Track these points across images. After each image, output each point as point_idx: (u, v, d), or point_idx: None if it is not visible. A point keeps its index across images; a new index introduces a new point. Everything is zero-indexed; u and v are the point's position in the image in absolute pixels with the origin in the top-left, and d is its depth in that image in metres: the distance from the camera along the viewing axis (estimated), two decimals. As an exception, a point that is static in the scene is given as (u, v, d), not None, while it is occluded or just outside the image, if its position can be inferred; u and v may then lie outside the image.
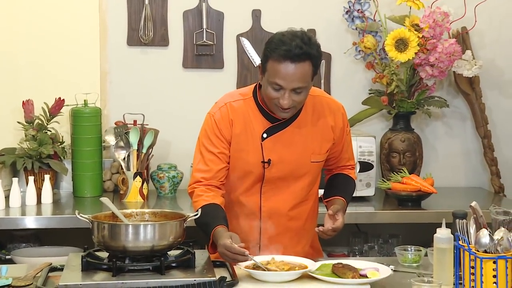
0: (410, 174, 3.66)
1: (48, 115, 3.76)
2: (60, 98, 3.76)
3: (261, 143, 2.63)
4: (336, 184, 2.80)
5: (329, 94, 4.02)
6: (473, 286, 2.20)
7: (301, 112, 2.65)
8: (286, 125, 2.64)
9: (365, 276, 2.38)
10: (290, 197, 2.69)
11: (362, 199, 3.71)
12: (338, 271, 2.40)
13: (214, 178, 2.62)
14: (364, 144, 3.71)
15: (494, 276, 2.17)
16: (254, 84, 2.70)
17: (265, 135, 2.63)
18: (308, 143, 2.66)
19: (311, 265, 2.44)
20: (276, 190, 2.67)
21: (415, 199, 3.57)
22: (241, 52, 4.00)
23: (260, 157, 2.63)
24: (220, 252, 2.43)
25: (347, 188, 2.81)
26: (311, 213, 2.77)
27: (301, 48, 2.46)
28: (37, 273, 2.44)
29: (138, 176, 3.67)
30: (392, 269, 2.51)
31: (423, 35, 3.72)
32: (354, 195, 3.53)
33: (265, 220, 2.69)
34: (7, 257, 3.37)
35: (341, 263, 2.44)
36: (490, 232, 2.23)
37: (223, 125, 2.63)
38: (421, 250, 2.70)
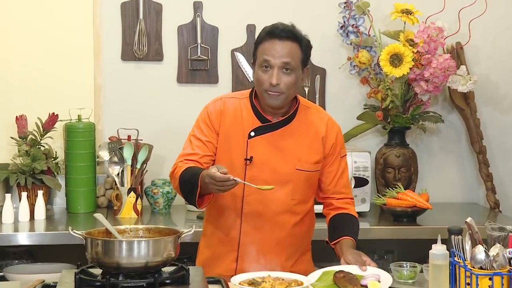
0: (405, 189, 3.66)
1: (41, 131, 3.76)
2: (53, 113, 3.77)
3: (247, 141, 2.67)
4: (341, 224, 2.76)
5: (324, 109, 4.06)
6: (469, 303, 2.20)
7: (294, 119, 2.69)
8: (276, 128, 2.68)
9: (366, 287, 2.38)
10: (274, 203, 2.69)
11: (357, 215, 3.70)
12: (339, 283, 2.40)
13: (198, 162, 2.66)
14: (359, 159, 3.71)
15: (490, 293, 2.17)
16: (252, 88, 2.76)
17: (252, 134, 2.68)
18: (295, 149, 2.68)
19: (307, 282, 2.43)
20: (258, 193, 2.65)
21: (411, 215, 3.57)
22: (236, 67, 4.01)
23: (243, 154, 2.67)
24: (207, 184, 2.45)
25: (353, 227, 2.77)
26: (299, 226, 2.75)
27: (288, 27, 2.63)
28: (30, 290, 2.43)
29: (132, 192, 3.67)
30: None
31: (417, 50, 3.74)
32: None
33: (246, 223, 2.70)
34: (-1, 274, 3.36)
35: (342, 272, 2.43)
36: (485, 248, 2.23)
37: (214, 116, 2.71)
38: (416, 267, 2.70)
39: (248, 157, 2.66)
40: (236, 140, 2.68)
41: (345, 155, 2.80)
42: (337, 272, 2.45)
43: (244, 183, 2.51)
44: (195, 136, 2.72)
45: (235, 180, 2.43)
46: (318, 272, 2.49)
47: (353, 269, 2.47)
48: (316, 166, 2.72)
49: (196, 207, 2.61)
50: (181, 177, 2.61)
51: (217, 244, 2.74)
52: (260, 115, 2.68)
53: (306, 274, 2.51)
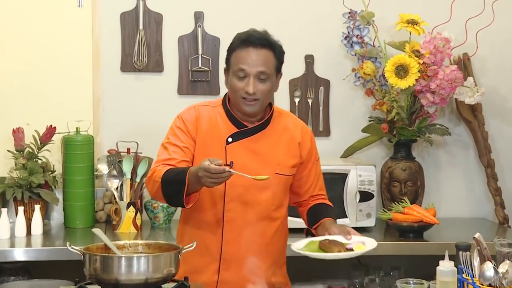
0: (411, 204, 3.65)
1: (39, 143, 3.76)
2: (51, 125, 3.77)
3: (225, 147, 2.72)
4: (320, 211, 2.87)
5: (328, 122, 4.07)
6: (477, 321, 2.19)
7: (269, 124, 2.77)
8: (253, 133, 2.74)
9: (352, 250, 2.46)
10: (254, 209, 2.73)
11: (362, 230, 3.69)
12: (325, 247, 2.48)
13: (176, 167, 2.67)
14: (364, 173, 3.71)
15: (499, 311, 2.16)
16: (224, 95, 2.82)
17: (230, 139, 2.73)
18: (273, 153, 2.74)
19: (294, 247, 2.54)
20: (239, 200, 2.70)
21: (417, 230, 3.57)
22: (238, 79, 4.02)
23: (223, 160, 2.67)
24: (199, 178, 2.46)
25: (332, 212, 2.88)
26: (278, 234, 2.80)
27: (262, 35, 2.71)
28: (26, 308, 2.43)
29: (131, 206, 3.66)
30: None
31: (423, 61, 3.74)
32: (354, 226, 3.55)
33: (228, 231, 2.73)
34: (-5, 290, 3.35)
35: (327, 239, 2.52)
36: (494, 265, 2.23)
37: (190, 123, 2.75)
38: (423, 283, 2.68)
39: (228, 163, 2.69)
40: (214, 147, 2.73)
41: (319, 158, 2.91)
42: (322, 240, 2.54)
43: (240, 174, 2.53)
44: (171, 143, 2.75)
45: (230, 171, 2.46)
46: (304, 241, 2.57)
47: (338, 238, 2.56)
48: (292, 170, 2.81)
49: (183, 206, 2.61)
50: (163, 178, 2.61)
51: (195, 256, 2.71)
52: (236, 121, 2.75)
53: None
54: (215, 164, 2.44)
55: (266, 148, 2.75)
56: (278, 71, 2.74)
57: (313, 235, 2.79)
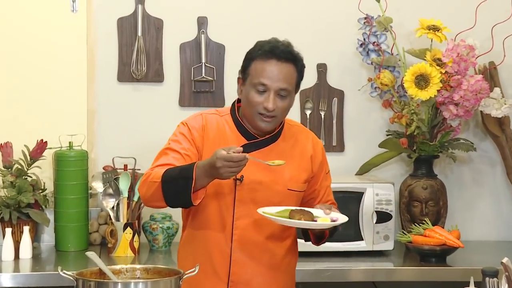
0: (433, 225, 3.64)
1: (28, 159, 3.76)
2: (42, 140, 3.78)
3: None
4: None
5: (342, 136, 4.07)
6: None
7: (279, 138, 2.78)
8: (263, 145, 2.75)
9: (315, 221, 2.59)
10: (264, 227, 2.73)
11: (379, 254, 3.70)
12: (292, 215, 2.61)
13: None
14: (381, 191, 3.71)
15: None
16: (232, 104, 2.84)
17: None
18: (285, 168, 2.73)
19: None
20: (249, 216, 2.70)
21: (440, 254, 3.56)
22: (244, 89, 4.03)
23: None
24: (221, 168, 2.48)
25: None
26: (289, 255, 2.82)
27: (287, 47, 2.73)
28: (14, 338, 2.43)
29: (128, 228, 3.66)
30: None
31: (446, 71, 3.74)
32: (370, 249, 3.55)
33: (236, 251, 2.73)
34: (-20, 319, 3.35)
35: (298, 208, 2.65)
36: (524, 292, 2.22)
37: (196, 130, 2.75)
38: (446, 312, 2.68)
39: (239, 177, 2.69)
40: None
41: (329, 170, 2.93)
42: (294, 209, 2.65)
43: (257, 161, 2.60)
44: (171, 148, 2.74)
45: (247, 158, 2.51)
46: (279, 208, 2.65)
47: (317, 212, 2.66)
48: (304, 186, 2.82)
49: (189, 204, 2.60)
50: (164, 178, 2.61)
51: (201, 278, 2.69)
52: (245, 132, 2.76)
53: None
54: (233, 152, 2.48)
55: None
56: (298, 86, 2.77)
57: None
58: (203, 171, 2.54)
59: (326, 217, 2.64)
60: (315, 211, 2.67)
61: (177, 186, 2.59)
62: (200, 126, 2.76)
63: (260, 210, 2.62)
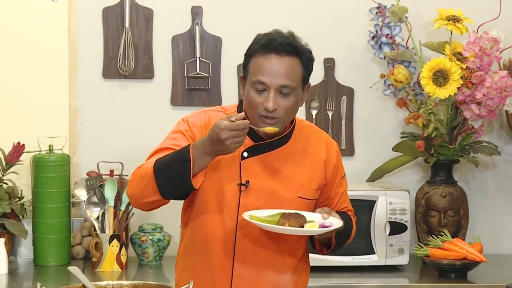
0: (453, 237, 3.65)
1: (4, 164, 3.77)
2: (19, 143, 3.78)
3: (240, 162, 2.70)
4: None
5: (352, 138, 4.07)
6: None
7: (290, 140, 2.76)
8: (272, 148, 2.73)
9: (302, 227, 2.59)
10: (271, 239, 2.71)
11: (393, 269, 3.69)
12: (282, 219, 2.59)
13: None
14: (396, 200, 3.70)
15: None
16: (239, 101, 2.82)
17: (245, 154, 2.71)
18: (295, 173, 2.73)
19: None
20: (254, 225, 2.65)
21: (460, 269, 3.56)
22: (243, 87, 4.03)
23: (236, 178, 2.68)
24: (227, 140, 2.48)
25: (344, 216, 2.83)
26: (298, 270, 2.79)
27: (287, 39, 2.67)
28: None
29: (115, 240, 3.66)
30: None
31: (467, 66, 3.74)
32: (383, 264, 3.54)
33: (239, 264, 2.71)
34: None
35: (290, 212, 2.61)
36: (554, 311, 2.21)
37: (197, 128, 2.73)
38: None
39: (244, 182, 2.68)
40: (225, 161, 2.70)
41: (345, 174, 2.91)
42: (286, 212, 2.62)
43: (254, 128, 2.62)
44: (167, 147, 2.72)
45: (249, 124, 2.54)
46: (273, 211, 2.63)
47: (314, 217, 2.64)
48: (316, 194, 2.79)
49: (190, 190, 2.59)
50: (156, 165, 2.59)
51: None
52: (252, 133, 2.71)
53: None
54: (236, 119, 2.49)
55: (287, 166, 2.74)
56: (305, 82, 2.71)
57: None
58: (202, 150, 2.53)
59: (315, 222, 2.62)
60: (313, 216, 2.65)
61: (173, 172, 2.57)
62: (202, 124, 2.74)
63: (246, 214, 2.60)
